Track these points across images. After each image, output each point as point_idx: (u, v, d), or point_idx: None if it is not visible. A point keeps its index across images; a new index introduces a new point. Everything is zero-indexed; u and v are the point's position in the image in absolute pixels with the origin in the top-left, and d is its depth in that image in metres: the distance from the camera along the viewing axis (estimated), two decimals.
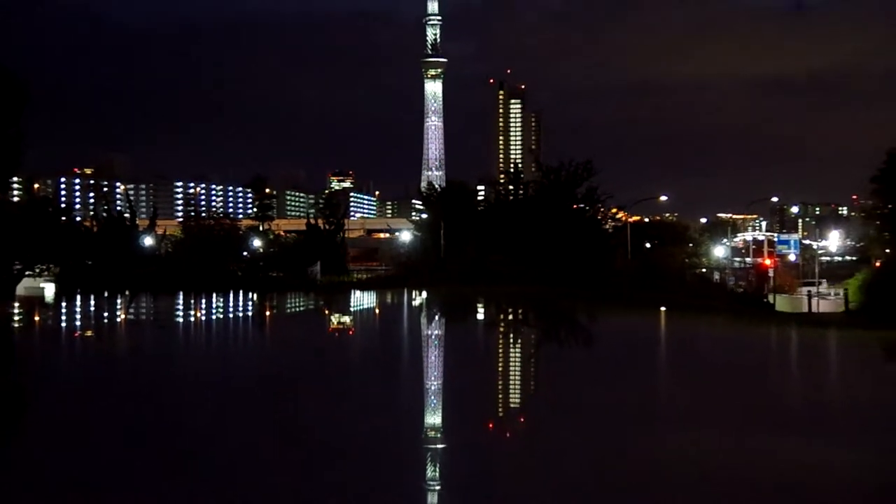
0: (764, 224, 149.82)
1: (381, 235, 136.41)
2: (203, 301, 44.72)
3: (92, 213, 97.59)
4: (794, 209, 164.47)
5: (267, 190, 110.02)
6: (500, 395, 16.67)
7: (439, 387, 17.62)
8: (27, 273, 53.76)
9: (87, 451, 9.22)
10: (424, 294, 51.61)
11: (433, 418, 13.66)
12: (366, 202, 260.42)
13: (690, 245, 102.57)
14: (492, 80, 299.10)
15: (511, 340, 27.67)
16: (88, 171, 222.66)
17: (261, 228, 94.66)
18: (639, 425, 12.33)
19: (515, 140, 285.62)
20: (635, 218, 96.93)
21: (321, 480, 8.82)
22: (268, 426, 11.97)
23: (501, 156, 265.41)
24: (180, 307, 42.16)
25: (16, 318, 33.51)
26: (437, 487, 9.08)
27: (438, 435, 12.06)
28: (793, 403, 14.90)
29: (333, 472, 9.15)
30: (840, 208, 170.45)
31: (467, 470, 10.08)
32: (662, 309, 39.25)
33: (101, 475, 8.00)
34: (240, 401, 15.32)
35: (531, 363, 22.52)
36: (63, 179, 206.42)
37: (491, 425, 13.08)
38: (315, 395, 16.22)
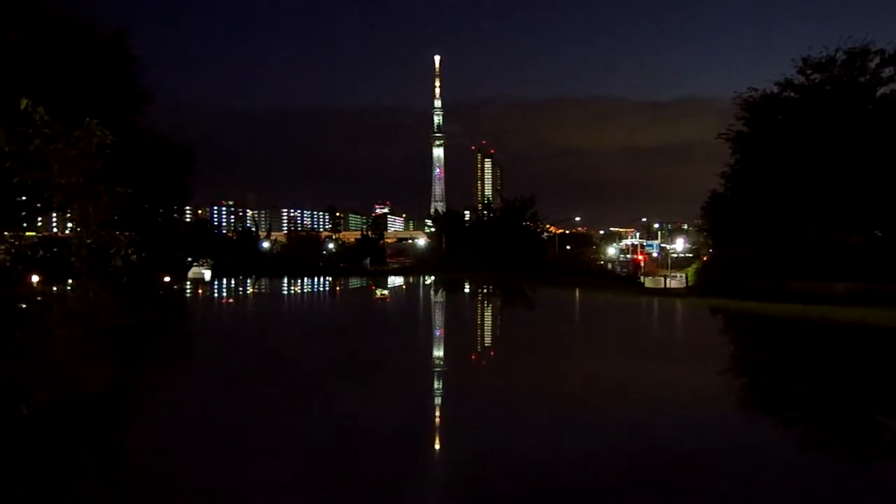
0: (638, 234, 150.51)
1: (388, 239, 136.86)
2: (299, 281, 45.38)
3: (232, 228, 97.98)
4: (657, 225, 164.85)
5: (337, 214, 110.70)
6: (478, 327, 17.19)
7: (440, 321, 18.16)
8: (194, 263, 54.30)
9: (237, 365, 9.61)
10: (432, 277, 52.09)
11: (438, 336, 14.21)
12: (397, 221, 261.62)
13: (594, 247, 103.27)
14: (473, 147, 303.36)
15: (484, 299, 28.08)
16: (230, 202, 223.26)
17: (333, 237, 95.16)
18: (557, 348, 12.80)
19: (487, 183, 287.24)
20: (560, 230, 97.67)
21: (382, 365, 9.35)
22: (348, 343, 12.44)
23: (479, 193, 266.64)
24: (286, 284, 42.61)
25: (187, 290, 33.92)
26: (443, 364, 9.71)
27: (441, 346, 12.61)
28: (649, 338, 15.32)
29: (384, 364, 9.65)
30: (683, 225, 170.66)
31: (458, 360, 10.60)
32: (576, 286, 39.71)
33: (252, 378, 8.43)
34: (329, 332, 15.79)
35: (497, 312, 23.04)
36: (215, 208, 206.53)
37: (472, 344, 13.59)
38: (371, 328, 16.71)
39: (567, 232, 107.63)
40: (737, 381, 8.78)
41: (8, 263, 26.98)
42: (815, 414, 5.97)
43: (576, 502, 3.87)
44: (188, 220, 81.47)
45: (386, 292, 37.11)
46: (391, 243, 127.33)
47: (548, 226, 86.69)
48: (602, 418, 6.02)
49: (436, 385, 7.80)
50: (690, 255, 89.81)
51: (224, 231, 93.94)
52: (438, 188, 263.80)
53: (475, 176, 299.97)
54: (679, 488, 3.99)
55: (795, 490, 3.93)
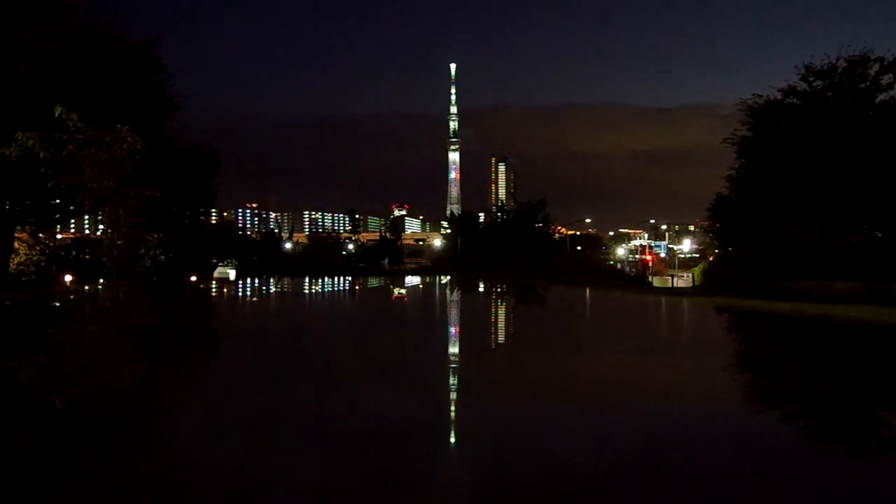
0: (646, 235, 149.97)
1: (398, 240, 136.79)
2: (320, 280, 45.48)
3: (256, 229, 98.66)
4: (664, 226, 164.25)
5: (356, 216, 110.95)
6: (491, 320, 17.20)
7: (457, 316, 18.20)
8: (219, 264, 54.56)
9: (259, 352, 9.64)
10: (449, 276, 52.09)
11: (453, 329, 14.23)
12: (414, 222, 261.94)
13: (603, 248, 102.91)
14: (493, 157, 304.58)
15: (501, 297, 28.07)
16: (254, 205, 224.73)
17: (352, 238, 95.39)
18: (577, 339, 12.78)
19: (501, 186, 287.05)
20: (571, 231, 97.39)
21: (401, 349, 9.34)
22: (368, 333, 12.48)
23: (493, 195, 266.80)
24: (307, 283, 42.69)
25: (213, 289, 34.08)
26: (456, 349, 9.73)
27: (455, 336, 12.66)
28: (656, 333, 15.24)
29: (405, 348, 9.67)
30: (689, 226, 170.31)
31: (471, 346, 10.61)
32: (587, 285, 39.48)
33: (275, 362, 8.46)
34: (348, 325, 15.83)
35: (516, 307, 23.02)
36: (239, 210, 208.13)
37: (485, 334, 13.60)
38: (390, 319, 16.75)
39: (578, 233, 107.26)
40: (738, 367, 8.83)
41: (43, 264, 27.30)
42: (808, 397, 6.08)
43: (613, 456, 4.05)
44: (214, 221, 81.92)
45: (404, 290, 37.09)
46: (408, 244, 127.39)
47: (559, 227, 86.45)
48: (626, 392, 6.15)
49: (475, 368, 7.84)
50: (697, 255, 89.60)
51: (248, 232, 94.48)
52: (454, 191, 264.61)
53: (489, 179, 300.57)
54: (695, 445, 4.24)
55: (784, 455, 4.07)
